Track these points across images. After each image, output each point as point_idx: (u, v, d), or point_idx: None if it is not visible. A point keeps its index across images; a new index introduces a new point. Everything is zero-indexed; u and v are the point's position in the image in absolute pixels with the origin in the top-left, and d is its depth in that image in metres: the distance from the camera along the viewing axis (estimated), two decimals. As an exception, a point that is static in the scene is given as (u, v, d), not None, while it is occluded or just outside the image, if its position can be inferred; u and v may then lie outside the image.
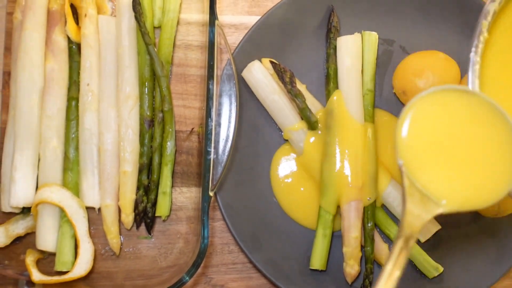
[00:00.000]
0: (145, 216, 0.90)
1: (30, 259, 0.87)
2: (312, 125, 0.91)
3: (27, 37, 0.88)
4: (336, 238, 0.93)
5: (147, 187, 0.90)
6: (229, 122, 0.85)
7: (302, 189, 0.94)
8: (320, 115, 0.92)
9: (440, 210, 0.58)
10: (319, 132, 0.92)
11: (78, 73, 0.92)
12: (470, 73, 0.60)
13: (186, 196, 0.93)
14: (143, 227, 0.92)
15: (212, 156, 0.81)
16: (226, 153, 0.85)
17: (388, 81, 0.97)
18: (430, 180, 0.58)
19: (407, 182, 0.58)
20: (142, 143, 0.90)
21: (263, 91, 0.92)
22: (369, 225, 0.90)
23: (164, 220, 0.92)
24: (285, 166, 0.95)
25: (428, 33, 0.97)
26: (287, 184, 0.94)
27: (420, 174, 0.58)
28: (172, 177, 0.91)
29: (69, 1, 0.93)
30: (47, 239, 0.87)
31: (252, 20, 0.98)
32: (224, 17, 0.98)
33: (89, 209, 0.90)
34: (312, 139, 0.92)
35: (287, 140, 0.95)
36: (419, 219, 0.57)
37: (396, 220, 0.94)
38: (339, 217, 0.90)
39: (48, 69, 0.90)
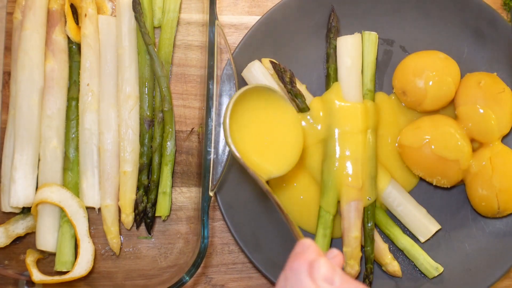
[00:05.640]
0: (145, 216, 0.90)
1: (30, 259, 0.87)
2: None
3: (27, 37, 0.88)
4: (336, 238, 0.93)
5: (147, 187, 0.90)
6: (229, 122, 0.85)
7: (301, 197, 0.93)
8: (315, 105, 0.91)
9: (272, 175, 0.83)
10: (319, 127, 0.91)
11: (78, 73, 0.92)
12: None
13: (186, 196, 0.93)
14: (143, 227, 0.92)
15: (212, 156, 0.81)
16: (226, 153, 0.85)
17: (388, 81, 0.97)
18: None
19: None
20: (142, 143, 0.90)
21: (263, 91, 0.92)
22: (369, 225, 0.90)
23: (164, 220, 0.92)
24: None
25: (428, 33, 0.97)
26: (285, 185, 0.94)
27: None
28: (172, 177, 0.91)
29: (69, 1, 0.93)
30: (47, 239, 0.87)
31: (252, 20, 0.98)
32: (224, 17, 0.98)
33: (89, 209, 0.90)
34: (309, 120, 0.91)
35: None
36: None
37: (396, 220, 0.94)
38: (339, 218, 0.90)
39: (48, 69, 0.90)
